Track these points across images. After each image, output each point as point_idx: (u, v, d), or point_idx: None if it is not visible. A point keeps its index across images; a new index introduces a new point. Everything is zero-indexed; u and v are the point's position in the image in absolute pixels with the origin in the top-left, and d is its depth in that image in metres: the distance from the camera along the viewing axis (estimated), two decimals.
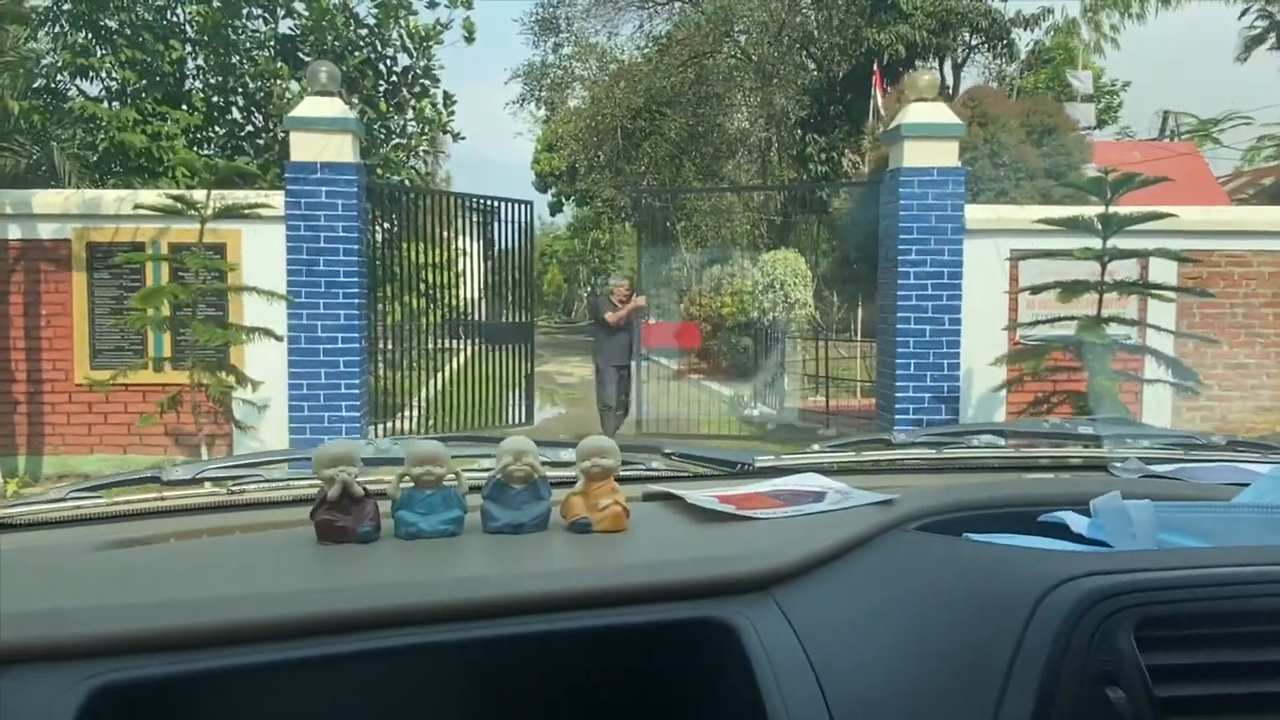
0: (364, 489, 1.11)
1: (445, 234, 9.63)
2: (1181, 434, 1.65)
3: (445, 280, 10.12)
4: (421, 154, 12.99)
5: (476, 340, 10.02)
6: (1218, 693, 0.78)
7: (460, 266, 9.87)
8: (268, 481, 1.35)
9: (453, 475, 1.14)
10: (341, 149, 7.42)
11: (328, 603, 0.91)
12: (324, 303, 7.43)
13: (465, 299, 10.17)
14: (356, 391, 7.55)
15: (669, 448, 1.53)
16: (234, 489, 1.32)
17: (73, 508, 1.28)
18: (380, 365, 8.71)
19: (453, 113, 12.45)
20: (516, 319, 10.06)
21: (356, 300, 7.50)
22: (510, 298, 10.07)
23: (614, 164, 23.50)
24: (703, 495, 1.27)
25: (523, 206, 9.98)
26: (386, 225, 9.17)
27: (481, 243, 9.96)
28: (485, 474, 1.17)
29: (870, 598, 0.97)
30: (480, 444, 1.42)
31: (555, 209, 37.56)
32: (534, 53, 28.24)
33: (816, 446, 1.52)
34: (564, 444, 1.39)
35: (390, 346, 9.06)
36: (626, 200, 24.01)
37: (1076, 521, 1.09)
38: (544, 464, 1.18)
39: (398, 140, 12.12)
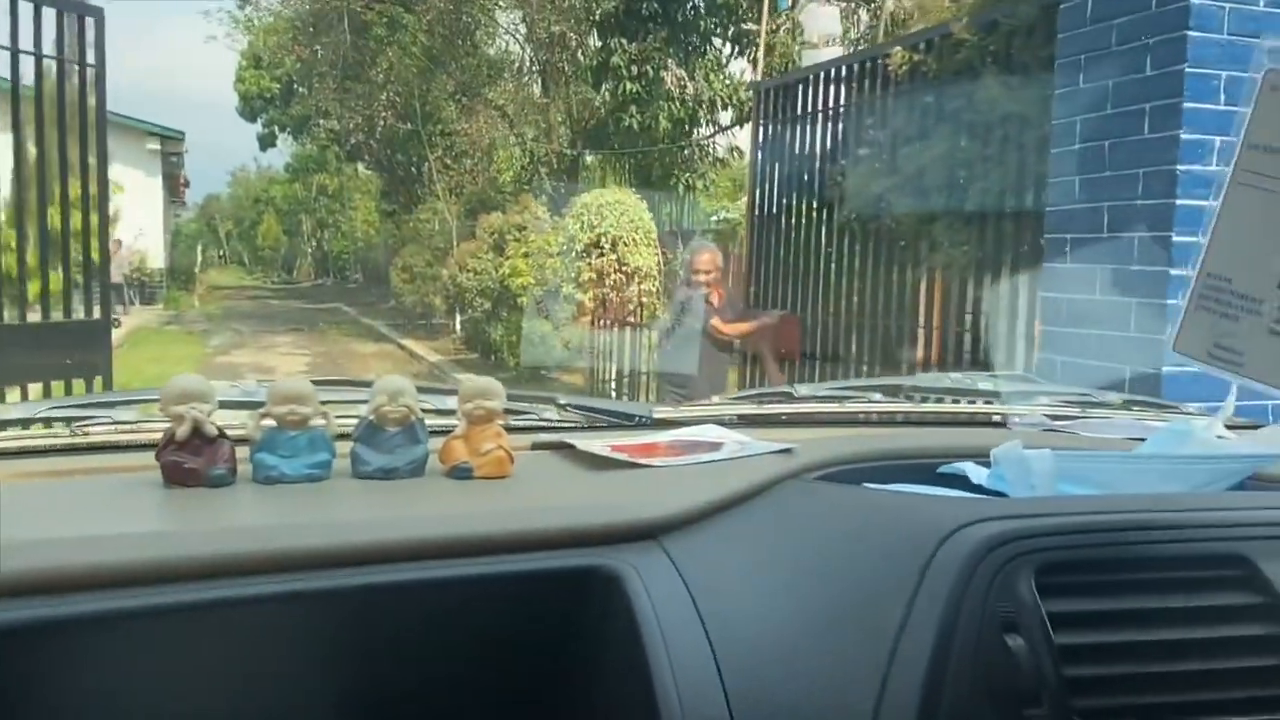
0: (218, 428, 1.00)
1: None
2: (1079, 391, 1.66)
3: None
4: None
5: None
6: (1116, 640, 0.75)
7: None
8: (116, 423, 1.23)
9: (321, 416, 1.04)
10: None
11: (171, 547, 0.82)
12: None
13: None
14: None
15: (564, 398, 1.46)
16: (77, 430, 1.20)
17: None
18: None
19: None
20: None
21: None
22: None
23: (343, 78, 17.47)
24: (595, 444, 1.20)
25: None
26: None
27: None
28: (358, 420, 1.08)
29: (765, 545, 0.92)
30: (355, 388, 1.32)
31: (267, 142, 28.85)
32: None
33: (717, 399, 1.46)
34: (448, 390, 1.30)
35: None
36: (360, 136, 18.55)
37: (976, 472, 1.07)
38: (424, 409, 1.09)
39: None
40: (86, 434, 1.19)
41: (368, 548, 0.85)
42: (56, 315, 4.64)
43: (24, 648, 0.75)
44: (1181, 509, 0.88)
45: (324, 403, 1.06)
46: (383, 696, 0.89)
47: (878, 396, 1.55)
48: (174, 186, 28.30)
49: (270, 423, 1.02)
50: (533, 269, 10.37)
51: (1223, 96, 3.37)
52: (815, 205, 6.54)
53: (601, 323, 8.51)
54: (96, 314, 4.79)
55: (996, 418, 1.43)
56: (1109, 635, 0.76)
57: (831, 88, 6.41)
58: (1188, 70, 3.34)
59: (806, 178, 6.60)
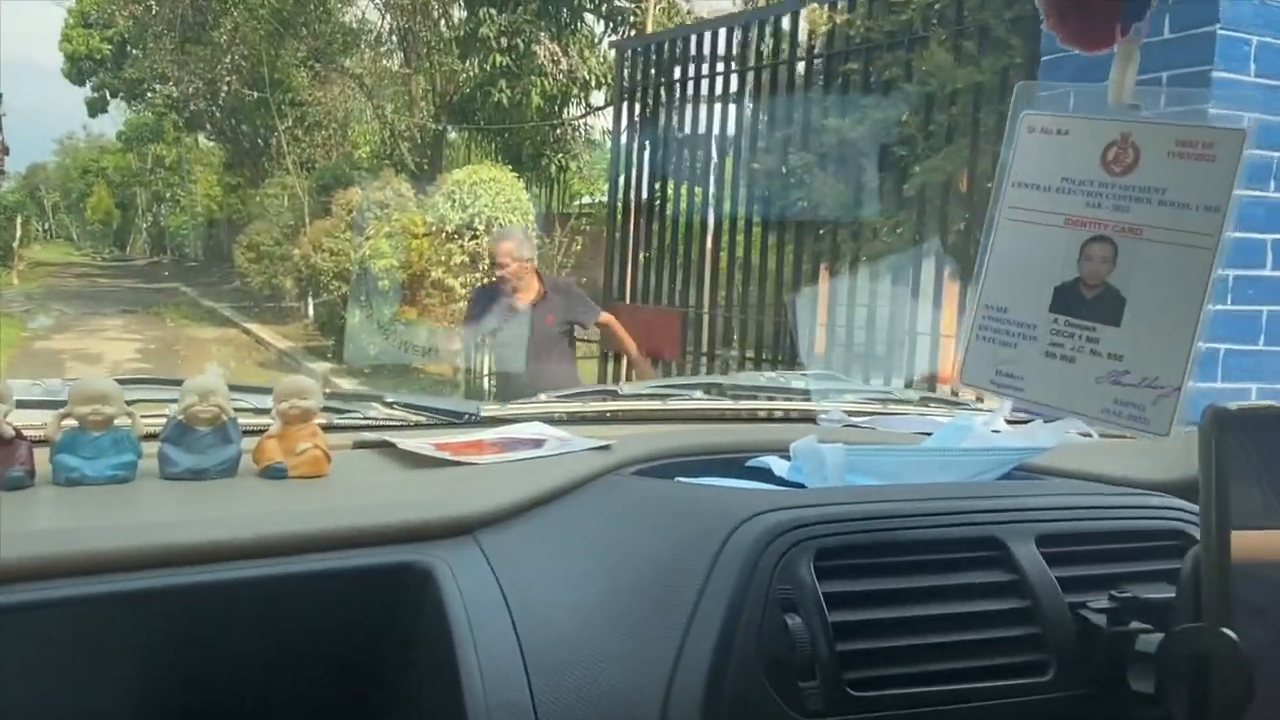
0: (15, 429, 0.97)
1: None
2: (883, 389, 1.78)
3: None
4: None
5: None
6: (884, 616, 0.83)
7: None
8: None
9: (126, 416, 1.02)
10: None
11: None
12: None
13: None
14: None
15: (390, 396, 1.46)
16: None
17: None
18: None
19: None
20: None
21: None
22: None
23: (182, 39, 16.29)
24: (418, 443, 1.22)
25: None
26: None
27: None
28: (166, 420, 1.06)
29: (577, 539, 0.97)
30: (162, 387, 1.29)
31: (97, 108, 26.90)
32: None
33: (544, 396, 1.50)
34: (261, 389, 1.29)
35: None
36: (201, 102, 17.38)
37: (779, 465, 1.15)
38: (240, 408, 1.08)
39: None
40: None
41: (173, 548, 0.85)
42: None
43: None
44: (945, 497, 0.98)
45: (131, 402, 1.04)
46: (193, 698, 0.88)
47: (698, 394, 1.62)
48: None
49: (72, 423, 1.00)
50: (395, 251, 9.50)
51: (1253, 66, 2.91)
52: (691, 186, 6.10)
53: (475, 311, 8.12)
54: None
55: (807, 414, 1.52)
56: (878, 613, 0.84)
57: (719, 50, 5.80)
58: (1220, 32, 2.86)
59: (685, 154, 6.12)
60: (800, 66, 5.42)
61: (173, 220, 32.88)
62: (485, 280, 4.64)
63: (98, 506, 0.94)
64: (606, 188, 7.34)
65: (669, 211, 6.32)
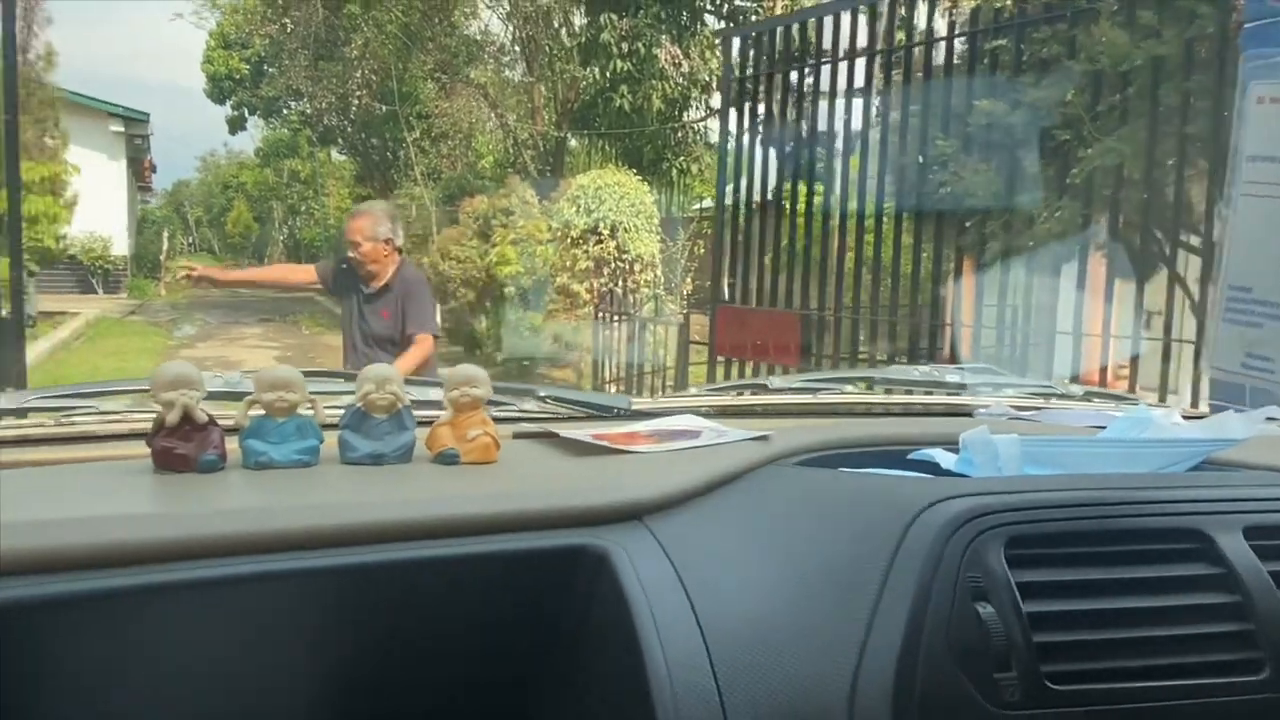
0: (208, 416, 1.03)
1: None
2: (1042, 384, 1.71)
3: None
4: None
5: None
6: (1081, 608, 0.80)
7: None
8: (102, 414, 1.24)
9: (308, 403, 1.06)
10: None
11: (162, 528, 0.84)
12: None
13: None
14: None
15: (543, 390, 1.48)
16: (63, 420, 1.21)
17: None
18: None
19: None
20: None
21: None
22: None
23: (315, 57, 16.69)
24: (577, 432, 1.23)
25: None
26: None
27: None
28: (344, 410, 1.10)
29: (745, 526, 0.96)
30: (340, 379, 1.34)
31: (236, 125, 27.51)
32: None
33: (694, 390, 1.50)
34: (431, 382, 1.32)
35: None
36: (333, 117, 18.20)
37: (945, 458, 1.12)
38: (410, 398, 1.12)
39: None
40: (73, 424, 1.21)
41: (358, 528, 0.88)
42: None
43: (26, 624, 0.77)
44: (1140, 486, 0.93)
45: (311, 393, 1.08)
46: (373, 672, 0.91)
47: (850, 389, 1.59)
48: (140, 171, 27.69)
49: (259, 410, 1.05)
50: (521, 257, 9.50)
51: None
52: (811, 181, 5.67)
53: (600, 315, 7.81)
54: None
55: (963, 408, 1.47)
56: (1075, 604, 0.80)
57: (840, 34, 5.30)
58: None
59: (802, 148, 5.67)
60: (939, 48, 5.06)
61: (307, 232, 34.38)
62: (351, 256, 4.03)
63: (285, 488, 0.98)
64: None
65: (785, 208, 5.90)
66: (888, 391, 1.58)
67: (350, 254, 4.02)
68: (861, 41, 5.31)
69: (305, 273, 4.54)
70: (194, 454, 1.00)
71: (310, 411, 1.06)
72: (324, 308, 21.18)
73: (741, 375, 5.74)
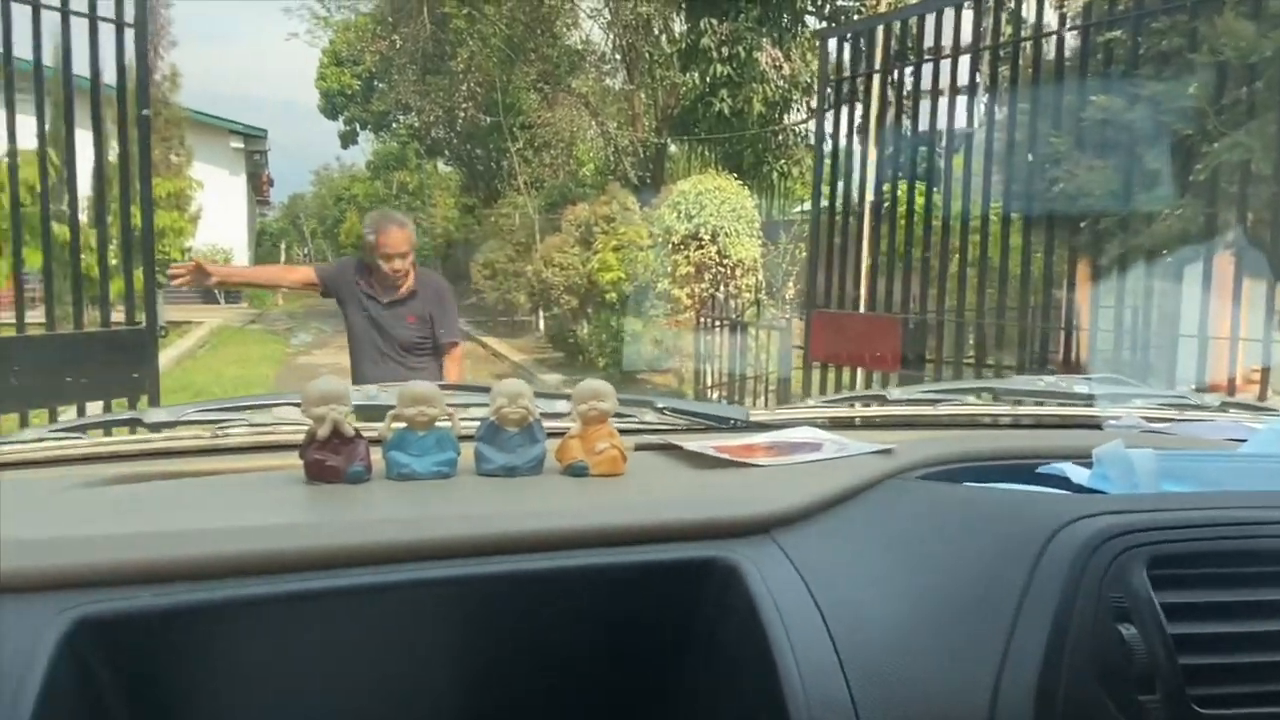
0: (355, 429, 1.08)
1: None
2: (1175, 394, 1.65)
3: None
4: None
5: None
6: (1231, 630, 0.78)
7: None
8: (254, 425, 1.32)
9: (446, 417, 1.11)
10: None
11: (318, 537, 0.89)
12: None
13: None
14: None
15: (661, 401, 1.51)
16: (219, 432, 1.29)
17: (52, 447, 1.24)
18: None
19: None
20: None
21: None
22: None
23: (423, 71, 17.21)
24: (699, 445, 1.25)
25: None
26: None
27: None
28: (478, 422, 1.15)
29: (873, 540, 0.96)
30: (473, 392, 1.39)
31: (348, 140, 28.23)
32: None
33: (811, 401, 1.50)
34: (557, 395, 1.36)
35: None
36: (440, 130, 18.85)
37: (1076, 473, 1.09)
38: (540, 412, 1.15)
39: None
40: (227, 436, 1.29)
41: (499, 538, 0.91)
42: (91, 326, 4.04)
43: (190, 628, 0.83)
44: None
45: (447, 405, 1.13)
46: (510, 678, 0.95)
47: (971, 399, 1.56)
48: (258, 185, 28.99)
49: (401, 424, 1.10)
50: (623, 263, 9.52)
51: None
52: (912, 182, 5.48)
53: (702, 320, 7.76)
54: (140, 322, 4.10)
55: (1092, 420, 1.43)
56: (1223, 626, 0.78)
57: (943, 31, 5.12)
58: None
59: (902, 150, 5.53)
60: (1050, 42, 4.86)
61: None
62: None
63: (429, 499, 1.03)
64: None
65: (885, 210, 5.71)
66: (1015, 404, 1.55)
67: (385, 266, 3.96)
68: (965, 38, 5.22)
69: (302, 274, 4.55)
70: (343, 466, 1.06)
71: (448, 424, 1.11)
72: None
73: (839, 381, 5.65)
